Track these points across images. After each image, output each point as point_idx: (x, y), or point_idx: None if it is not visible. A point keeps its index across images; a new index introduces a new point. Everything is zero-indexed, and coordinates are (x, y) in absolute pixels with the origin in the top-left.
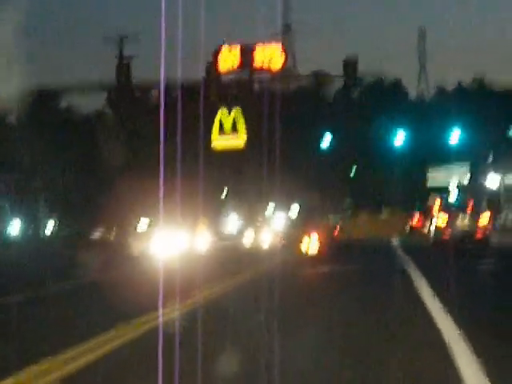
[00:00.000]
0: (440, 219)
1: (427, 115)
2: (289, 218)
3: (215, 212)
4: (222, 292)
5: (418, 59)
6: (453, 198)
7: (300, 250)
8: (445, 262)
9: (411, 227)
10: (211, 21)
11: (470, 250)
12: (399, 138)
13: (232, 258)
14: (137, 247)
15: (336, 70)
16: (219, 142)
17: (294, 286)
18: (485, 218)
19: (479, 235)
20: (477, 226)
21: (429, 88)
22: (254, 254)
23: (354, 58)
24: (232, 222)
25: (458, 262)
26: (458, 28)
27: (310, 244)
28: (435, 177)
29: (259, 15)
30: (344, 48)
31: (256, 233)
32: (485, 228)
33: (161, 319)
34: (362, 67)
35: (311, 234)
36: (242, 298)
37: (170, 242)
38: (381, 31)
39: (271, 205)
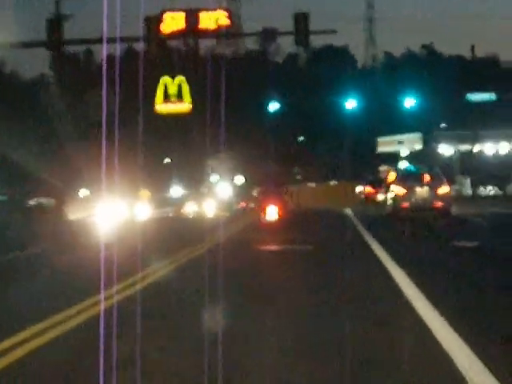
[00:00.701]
0: (398, 188)
1: (377, 82)
2: (235, 186)
3: (159, 180)
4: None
5: (365, 26)
6: (403, 165)
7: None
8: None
9: (365, 197)
10: None
11: (429, 218)
12: (349, 106)
13: (176, 229)
14: (76, 215)
15: (281, 39)
16: (163, 106)
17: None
18: (445, 186)
19: (440, 204)
20: (436, 195)
21: (377, 55)
22: (197, 225)
23: (306, 14)
24: (176, 190)
25: (424, 237)
26: None
27: (268, 215)
28: (385, 143)
29: None
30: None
31: (200, 202)
32: (446, 196)
33: (102, 306)
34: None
35: (269, 206)
36: (193, 276)
37: (111, 210)
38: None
39: (215, 176)
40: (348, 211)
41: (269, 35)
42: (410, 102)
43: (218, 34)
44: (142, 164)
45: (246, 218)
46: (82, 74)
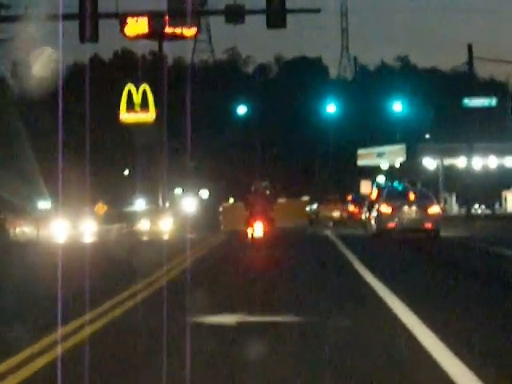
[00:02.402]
0: (384, 206)
1: (354, 92)
2: (201, 201)
3: (120, 193)
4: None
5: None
6: (380, 180)
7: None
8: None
9: (349, 215)
10: None
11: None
12: (329, 110)
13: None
14: (24, 233)
15: (252, 50)
16: (127, 116)
17: None
18: (435, 206)
19: (430, 225)
20: (426, 215)
21: (351, 66)
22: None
23: None
24: (141, 203)
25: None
26: (379, 8)
27: (255, 233)
28: (365, 156)
29: None
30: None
31: (157, 218)
32: (436, 217)
33: None
34: (282, 46)
35: (256, 223)
36: None
37: (61, 227)
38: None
39: (178, 189)
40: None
41: (234, 13)
42: (397, 107)
43: (184, 38)
44: (99, 176)
45: (213, 238)
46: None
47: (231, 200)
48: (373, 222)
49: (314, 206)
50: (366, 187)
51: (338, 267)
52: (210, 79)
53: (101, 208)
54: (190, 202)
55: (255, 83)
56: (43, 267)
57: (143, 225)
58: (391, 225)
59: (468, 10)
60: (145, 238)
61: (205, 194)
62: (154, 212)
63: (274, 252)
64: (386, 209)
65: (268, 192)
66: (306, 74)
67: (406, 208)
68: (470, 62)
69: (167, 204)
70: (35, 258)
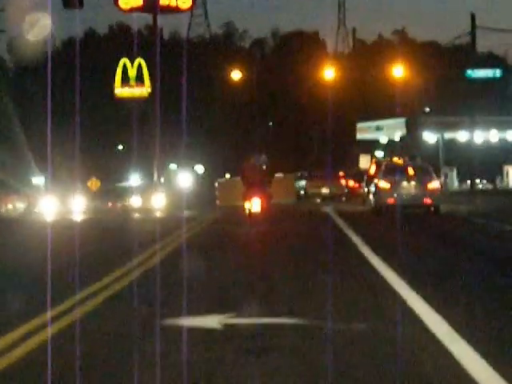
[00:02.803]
0: (381, 182)
1: (350, 67)
2: (196, 176)
3: (113, 168)
4: None
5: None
6: (379, 154)
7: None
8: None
9: (349, 191)
10: None
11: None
12: (327, 78)
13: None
14: (15, 208)
15: (249, 24)
16: (122, 90)
17: None
18: (435, 181)
19: (430, 200)
20: (426, 189)
21: (348, 41)
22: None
23: None
24: (135, 179)
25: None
26: None
27: (252, 209)
28: (364, 130)
29: None
30: (257, 2)
31: (154, 194)
32: (436, 192)
33: None
34: (279, 20)
35: (253, 198)
36: None
37: (51, 203)
38: None
39: (173, 165)
40: (327, 208)
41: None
42: (396, 77)
43: (179, 10)
44: (92, 151)
45: (209, 215)
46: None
47: (227, 175)
48: (371, 197)
49: (303, 183)
50: (365, 162)
51: (339, 247)
52: (207, 53)
53: (94, 183)
54: (185, 178)
55: (252, 57)
56: (24, 246)
57: (137, 201)
58: (390, 200)
59: None
60: (137, 215)
61: (200, 169)
62: (149, 188)
63: (271, 229)
64: (384, 184)
65: (265, 166)
66: (302, 47)
67: (404, 183)
68: (472, 32)
69: (162, 179)
70: (18, 236)
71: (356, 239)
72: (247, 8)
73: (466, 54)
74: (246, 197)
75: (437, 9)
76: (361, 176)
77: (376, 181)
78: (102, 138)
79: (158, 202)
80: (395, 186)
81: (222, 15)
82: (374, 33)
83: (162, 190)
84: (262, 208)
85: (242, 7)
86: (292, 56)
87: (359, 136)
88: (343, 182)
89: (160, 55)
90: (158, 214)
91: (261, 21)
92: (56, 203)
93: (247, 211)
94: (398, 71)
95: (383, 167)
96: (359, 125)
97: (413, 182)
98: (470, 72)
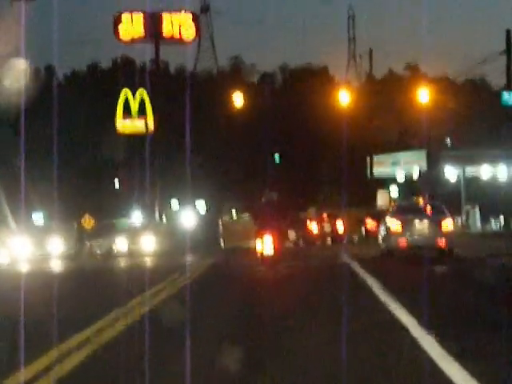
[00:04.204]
0: (392, 221)
1: (362, 100)
2: (200, 214)
3: (109, 206)
4: None
5: (347, 46)
6: (393, 191)
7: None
8: None
9: (366, 232)
10: None
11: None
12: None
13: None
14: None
15: (257, 58)
16: (124, 125)
17: None
18: (449, 223)
19: (443, 243)
20: (440, 232)
21: (360, 72)
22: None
23: None
24: (137, 216)
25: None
26: (388, 16)
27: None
28: (381, 164)
29: None
30: (265, 36)
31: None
32: (450, 234)
33: None
34: (289, 56)
35: (265, 236)
36: None
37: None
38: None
39: (174, 201)
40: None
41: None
42: (423, 99)
43: (183, 41)
44: (86, 188)
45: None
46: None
47: (233, 212)
48: (380, 238)
49: None
50: (383, 199)
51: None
52: (214, 87)
53: (88, 221)
54: (188, 216)
55: (260, 91)
56: None
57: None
58: (401, 244)
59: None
60: (124, 261)
61: (202, 205)
62: (150, 227)
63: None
64: (394, 223)
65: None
66: (312, 82)
67: (417, 223)
68: (508, 50)
69: (164, 218)
70: None
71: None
72: (255, 42)
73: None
74: (258, 233)
75: (448, 43)
76: (379, 215)
77: (386, 221)
78: (101, 174)
79: (152, 245)
80: (407, 225)
81: (229, 49)
82: (384, 68)
83: (168, 229)
84: (275, 248)
85: (250, 42)
86: (302, 90)
87: (376, 171)
88: (314, 225)
89: (164, 89)
90: (156, 259)
91: (269, 55)
92: (27, 247)
93: (259, 252)
94: (424, 96)
95: (394, 207)
96: (376, 158)
97: (426, 222)
98: (506, 97)
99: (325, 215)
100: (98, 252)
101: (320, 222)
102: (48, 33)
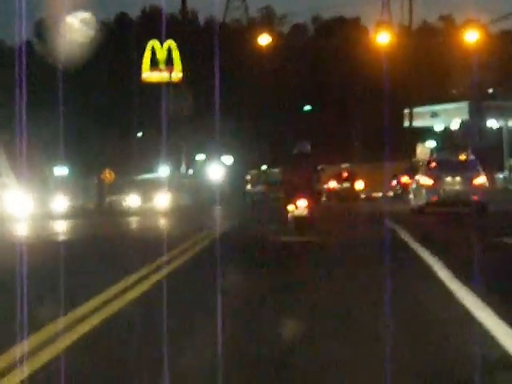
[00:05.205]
0: (423, 178)
1: (397, 52)
2: (226, 168)
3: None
4: None
5: None
6: (430, 145)
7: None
8: None
9: (401, 186)
10: None
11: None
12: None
13: None
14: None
15: (287, 9)
16: (150, 74)
17: None
18: (482, 179)
19: (476, 198)
20: (472, 188)
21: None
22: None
23: None
24: (164, 170)
25: None
26: None
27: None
28: (420, 116)
29: None
30: None
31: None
32: (482, 190)
33: None
34: (320, 7)
35: (299, 200)
36: None
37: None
38: None
39: (201, 155)
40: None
41: None
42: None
43: None
44: (107, 139)
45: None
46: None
47: (263, 167)
48: (411, 195)
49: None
50: (423, 152)
51: None
52: (244, 38)
53: (108, 175)
54: (215, 170)
55: (291, 43)
56: None
57: (160, 198)
58: (432, 199)
59: None
60: (142, 219)
61: (228, 160)
62: (176, 181)
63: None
64: (425, 180)
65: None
66: (344, 33)
67: (448, 179)
68: None
69: (190, 171)
70: None
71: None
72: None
73: None
74: (290, 197)
75: None
76: (416, 169)
77: (418, 177)
78: (123, 124)
79: (190, 198)
80: (438, 182)
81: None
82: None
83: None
84: (309, 212)
85: None
86: (334, 41)
87: (416, 123)
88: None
89: (193, 39)
90: (176, 217)
91: (299, 6)
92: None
93: (290, 216)
94: (472, 35)
95: (426, 162)
96: (415, 110)
97: (457, 178)
98: None
99: (345, 173)
100: (117, 208)
101: (340, 178)
102: None
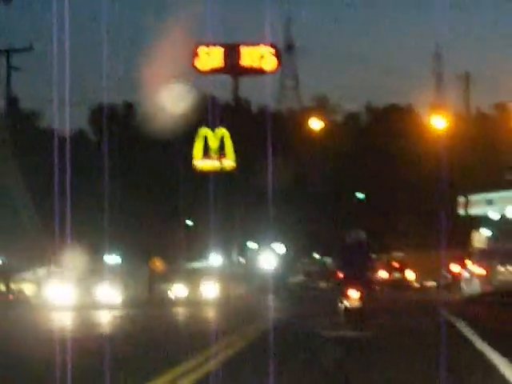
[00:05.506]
0: (475, 268)
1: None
2: (279, 256)
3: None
4: None
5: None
6: (484, 233)
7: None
8: None
9: (452, 275)
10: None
11: None
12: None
13: None
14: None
15: (340, 96)
16: (203, 163)
17: None
18: None
19: None
20: None
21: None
22: None
23: None
24: (215, 258)
25: None
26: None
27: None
28: (476, 204)
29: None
30: (349, 73)
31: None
32: None
33: None
34: (372, 92)
35: (350, 290)
36: None
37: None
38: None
39: (251, 243)
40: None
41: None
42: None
43: (263, 72)
44: (155, 227)
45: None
46: (121, 129)
47: (316, 255)
48: (463, 284)
49: None
50: (480, 240)
51: None
52: (297, 126)
53: (157, 264)
54: (268, 258)
55: (344, 131)
56: None
57: (209, 287)
58: (485, 288)
59: None
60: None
61: (279, 248)
62: (227, 270)
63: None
64: (478, 270)
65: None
66: (398, 120)
67: (501, 268)
68: None
69: (242, 259)
70: None
71: None
72: (338, 82)
73: None
74: (343, 288)
75: None
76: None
77: (470, 266)
78: (170, 211)
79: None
80: (491, 271)
81: (312, 88)
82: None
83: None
84: (362, 303)
85: (333, 81)
86: (388, 128)
87: (472, 211)
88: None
89: (246, 127)
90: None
91: (353, 94)
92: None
93: (342, 309)
94: None
95: (478, 250)
96: (471, 197)
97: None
98: None
99: (395, 262)
100: (170, 297)
101: (390, 268)
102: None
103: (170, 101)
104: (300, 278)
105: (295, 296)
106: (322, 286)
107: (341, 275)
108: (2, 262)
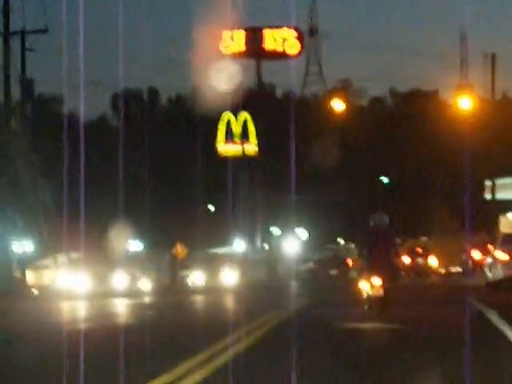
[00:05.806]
0: (499, 253)
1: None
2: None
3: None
4: None
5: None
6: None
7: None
8: None
9: (472, 261)
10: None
11: None
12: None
13: None
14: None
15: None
16: (226, 147)
17: None
18: None
19: None
20: None
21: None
22: None
23: None
24: (240, 244)
25: None
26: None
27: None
28: (504, 188)
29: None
30: (373, 57)
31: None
32: None
33: None
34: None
35: (373, 277)
36: None
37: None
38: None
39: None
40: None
41: None
42: None
43: (286, 56)
44: (179, 212)
45: None
46: (145, 114)
47: (340, 241)
48: (487, 270)
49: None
50: (507, 225)
51: None
52: (321, 111)
53: (180, 250)
54: (292, 244)
55: (369, 115)
56: None
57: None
58: (509, 273)
59: None
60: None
61: (302, 233)
62: (251, 255)
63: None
64: (501, 256)
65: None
66: (423, 105)
67: None
68: None
69: (265, 245)
70: None
71: None
72: (362, 67)
73: None
74: (366, 273)
75: None
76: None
77: (495, 252)
78: (193, 197)
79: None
80: None
81: (336, 73)
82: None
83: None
84: (385, 292)
85: (357, 66)
86: (413, 112)
87: (500, 195)
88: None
89: (269, 110)
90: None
91: (377, 79)
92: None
93: (366, 296)
94: None
95: (503, 235)
96: (499, 181)
97: None
98: None
99: (418, 248)
100: (188, 285)
101: (413, 253)
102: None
103: (221, 78)
104: (310, 265)
105: (310, 284)
106: (332, 274)
107: (362, 262)
108: (24, 250)
